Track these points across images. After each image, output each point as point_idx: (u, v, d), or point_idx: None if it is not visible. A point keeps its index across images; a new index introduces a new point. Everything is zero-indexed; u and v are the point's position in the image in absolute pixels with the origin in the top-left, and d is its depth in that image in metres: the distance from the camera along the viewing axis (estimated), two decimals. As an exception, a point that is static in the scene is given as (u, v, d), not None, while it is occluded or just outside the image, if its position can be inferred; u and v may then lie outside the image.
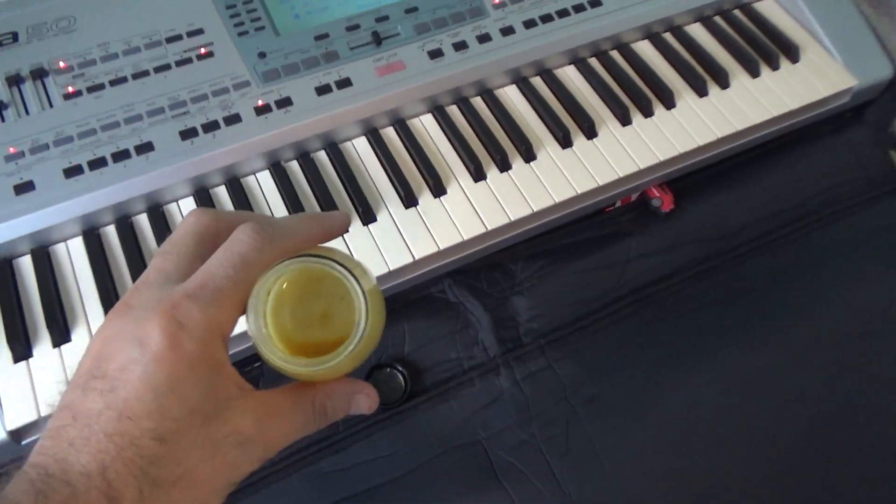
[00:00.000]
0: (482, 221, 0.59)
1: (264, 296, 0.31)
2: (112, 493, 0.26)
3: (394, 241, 0.58)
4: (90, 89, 0.60)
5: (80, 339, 0.52)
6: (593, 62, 0.70)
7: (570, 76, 0.69)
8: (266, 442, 0.32)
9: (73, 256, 0.56)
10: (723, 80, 0.68)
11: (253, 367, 0.58)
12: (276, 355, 0.31)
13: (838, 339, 0.61)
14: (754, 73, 0.69)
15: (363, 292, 0.32)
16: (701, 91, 0.68)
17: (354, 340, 0.32)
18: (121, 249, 0.56)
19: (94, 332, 0.32)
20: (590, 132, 0.64)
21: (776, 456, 0.55)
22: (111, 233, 0.57)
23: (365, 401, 0.37)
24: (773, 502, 0.53)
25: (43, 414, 0.49)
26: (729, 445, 0.55)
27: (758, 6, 0.75)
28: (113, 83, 0.61)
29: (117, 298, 0.53)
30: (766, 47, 0.71)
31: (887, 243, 0.66)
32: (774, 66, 0.70)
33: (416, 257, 0.57)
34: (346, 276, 0.32)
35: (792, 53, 0.71)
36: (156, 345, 0.28)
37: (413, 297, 0.62)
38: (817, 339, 0.60)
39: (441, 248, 0.58)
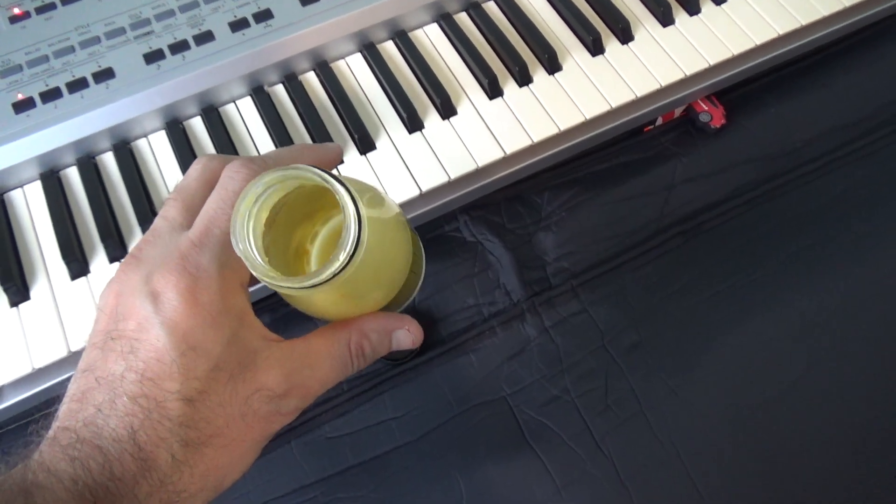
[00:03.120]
0: (499, 145, 0.50)
1: (245, 208, 0.27)
2: (144, 457, 0.26)
3: (396, 172, 0.49)
4: (39, 10, 0.52)
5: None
6: (626, -46, 0.59)
7: (600, -29, 0.59)
8: (301, 393, 0.30)
9: (31, 203, 0.49)
10: (783, -33, 0.57)
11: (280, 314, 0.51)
12: (265, 273, 0.27)
13: (924, 268, 0.52)
14: (821, -44, 0.58)
15: (351, 197, 0.27)
16: (757, -19, 0.57)
17: (345, 248, 0.26)
18: (84, 193, 0.49)
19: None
20: (624, 35, 0.54)
21: (863, 407, 0.46)
22: (73, 175, 0.50)
23: (407, 336, 0.34)
24: (864, 465, 0.45)
25: None
26: (802, 396, 0.47)
27: None
28: (65, 1, 0.52)
29: (81, 251, 0.46)
30: (835, -75, 0.59)
31: (984, 154, 0.56)
32: (846, -53, 0.59)
33: (423, 189, 0.49)
34: (326, 180, 0.27)
35: (867, -70, 0.59)
36: (169, 301, 0.27)
37: (424, 237, 0.54)
38: (901, 270, 0.51)
39: (452, 177, 0.49)
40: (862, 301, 0.50)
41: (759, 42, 0.54)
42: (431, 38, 0.55)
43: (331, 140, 0.50)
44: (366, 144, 0.50)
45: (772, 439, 0.46)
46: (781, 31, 0.55)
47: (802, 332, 0.49)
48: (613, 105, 0.52)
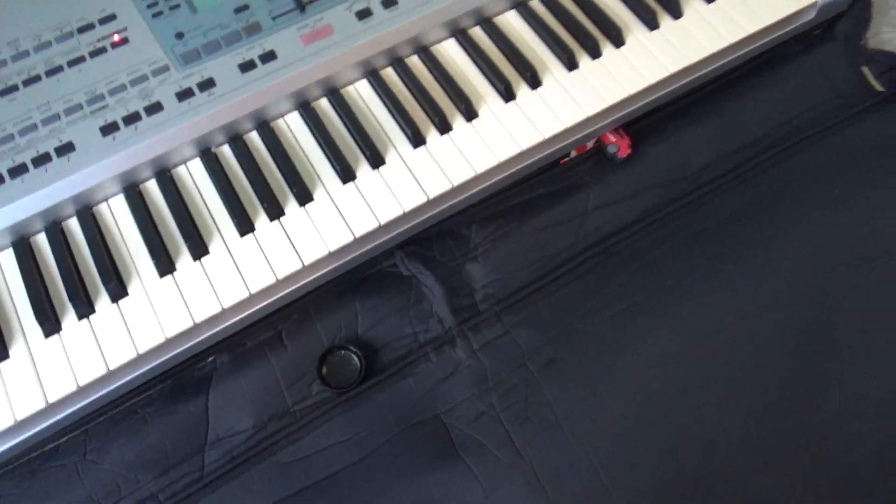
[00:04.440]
0: (423, 190, 0.56)
1: None
2: None
3: (332, 221, 0.55)
4: (3, 92, 0.57)
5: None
6: (535, 4, 0.65)
7: (512, 22, 0.65)
8: None
9: (5, 270, 0.54)
10: (675, 9, 0.64)
11: (206, 363, 0.57)
12: None
13: (810, 273, 0.58)
14: (709, -4, 0.65)
15: None
16: (651, 24, 0.63)
17: None
18: (52, 256, 0.54)
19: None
20: (534, 81, 0.61)
21: (750, 403, 0.53)
22: (42, 241, 0.55)
23: None
24: (751, 453, 0.51)
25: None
26: (698, 398, 0.53)
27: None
28: (27, 83, 0.58)
29: (51, 307, 0.52)
30: (720, -33, 0.66)
31: (859, 168, 0.62)
32: (731, -13, 0.65)
33: (357, 235, 0.55)
34: None
35: (749, -29, 0.65)
36: None
37: (364, 274, 0.60)
38: (788, 276, 0.58)
39: (382, 222, 0.55)
40: (752, 310, 0.56)
41: (653, 80, 0.60)
42: (361, 94, 0.61)
43: (272, 195, 0.56)
44: (304, 197, 0.56)
45: (672, 436, 0.52)
46: (673, 69, 0.61)
47: (699, 340, 0.55)
48: (524, 147, 0.58)
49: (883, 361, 0.55)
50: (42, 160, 0.55)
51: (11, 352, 0.51)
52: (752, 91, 0.66)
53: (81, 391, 0.50)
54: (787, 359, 0.55)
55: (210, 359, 0.57)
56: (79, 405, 0.51)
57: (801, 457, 0.51)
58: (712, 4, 0.64)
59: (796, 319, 0.56)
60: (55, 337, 0.51)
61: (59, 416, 0.51)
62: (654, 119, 0.65)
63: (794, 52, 0.68)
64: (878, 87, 0.67)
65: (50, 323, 0.51)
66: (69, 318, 0.52)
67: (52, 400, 0.49)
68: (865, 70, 0.67)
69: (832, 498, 0.51)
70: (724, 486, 0.50)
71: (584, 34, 0.62)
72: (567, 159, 0.64)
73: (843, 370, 0.54)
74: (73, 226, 0.56)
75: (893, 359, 0.55)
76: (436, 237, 0.61)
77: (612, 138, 0.63)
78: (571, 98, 0.60)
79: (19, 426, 0.49)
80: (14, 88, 0.58)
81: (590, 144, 0.64)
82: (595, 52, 0.62)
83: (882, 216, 0.61)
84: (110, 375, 0.51)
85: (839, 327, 0.56)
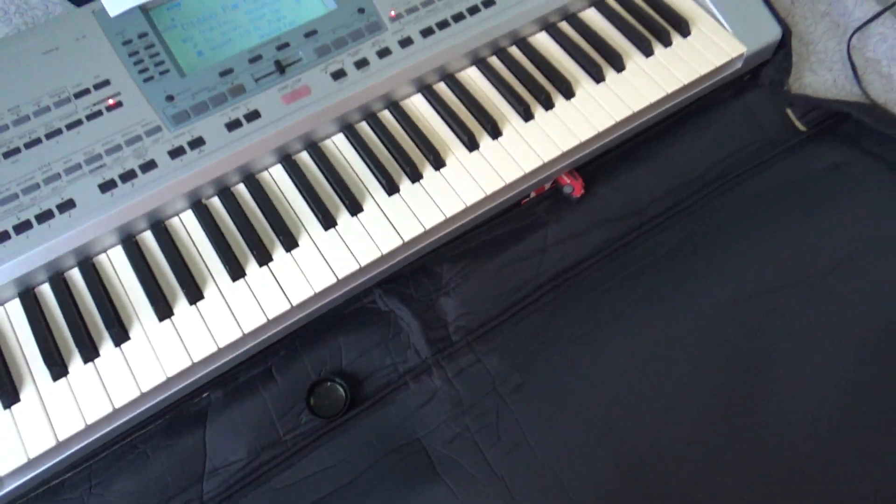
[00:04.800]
0: (398, 234, 0.62)
1: None
2: None
3: (316, 264, 0.61)
4: (6, 155, 0.62)
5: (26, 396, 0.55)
6: (493, 61, 0.73)
7: (473, 77, 0.72)
8: None
9: (13, 319, 0.58)
10: (618, 64, 0.71)
11: (201, 398, 0.62)
12: None
13: (747, 296, 0.65)
14: (648, 52, 0.72)
15: None
16: (598, 77, 0.71)
17: None
18: (56, 305, 0.59)
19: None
20: (494, 132, 0.67)
21: (694, 414, 0.59)
22: (46, 291, 0.60)
23: None
24: (695, 458, 0.58)
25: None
26: (647, 411, 0.59)
27: (649, -17, 0.78)
28: (28, 145, 0.63)
29: (58, 353, 0.56)
30: (657, 25, 0.74)
31: (786, 201, 0.70)
32: (667, 43, 0.73)
33: (340, 277, 0.60)
34: None
35: (682, 28, 0.74)
36: None
37: (346, 311, 0.65)
38: (727, 300, 0.65)
39: (362, 264, 0.61)
40: (695, 332, 0.63)
41: (600, 129, 0.68)
42: (338, 147, 0.67)
43: (260, 242, 0.62)
44: (289, 243, 0.61)
45: (625, 448, 0.58)
46: (618, 118, 0.68)
47: (648, 360, 0.62)
48: (488, 192, 0.64)
49: (812, 375, 0.62)
50: (45, 217, 0.60)
51: (22, 395, 0.55)
52: (689, 134, 0.74)
53: (88, 429, 0.55)
54: (728, 374, 0.62)
55: (205, 394, 0.62)
56: (85, 442, 0.55)
57: (740, 463, 0.57)
58: (651, 58, 0.72)
59: (734, 339, 0.63)
60: (63, 380, 0.56)
61: (67, 453, 0.55)
62: (603, 161, 0.73)
63: (725, 98, 0.76)
64: (801, 127, 0.75)
65: (57, 367, 0.56)
66: (75, 362, 0.56)
67: (61, 438, 0.53)
68: (789, 112, 0.76)
69: (769, 500, 0.57)
70: (672, 492, 0.56)
71: (538, 88, 0.70)
72: (527, 199, 0.71)
73: (777, 383, 0.61)
74: (76, 276, 0.61)
75: (821, 372, 0.62)
76: (411, 275, 0.67)
77: (567, 180, 0.70)
78: (528, 146, 0.67)
79: (30, 464, 0.53)
80: (17, 151, 0.62)
81: (547, 186, 0.71)
82: (548, 104, 0.69)
83: (808, 242, 0.68)
84: (115, 413, 0.55)
85: (776, 346, 0.63)
